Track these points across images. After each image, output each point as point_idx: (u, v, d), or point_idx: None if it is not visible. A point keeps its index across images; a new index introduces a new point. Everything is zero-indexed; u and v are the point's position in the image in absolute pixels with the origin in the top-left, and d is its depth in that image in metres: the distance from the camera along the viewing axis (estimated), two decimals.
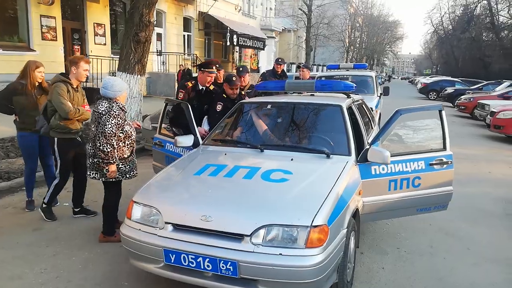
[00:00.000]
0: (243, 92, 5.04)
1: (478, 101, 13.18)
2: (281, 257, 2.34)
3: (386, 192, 3.48)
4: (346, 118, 3.65)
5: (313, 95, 4.43)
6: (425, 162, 3.54)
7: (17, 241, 3.82)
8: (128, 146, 3.77)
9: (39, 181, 5.04)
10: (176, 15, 18.87)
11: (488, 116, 10.46)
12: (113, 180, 3.73)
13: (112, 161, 3.59)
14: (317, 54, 47.10)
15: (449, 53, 49.42)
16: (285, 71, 6.80)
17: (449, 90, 19.41)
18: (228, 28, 20.03)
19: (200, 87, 4.68)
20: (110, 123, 3.53)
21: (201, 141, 3.87)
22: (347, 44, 51.26)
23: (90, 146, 3.72)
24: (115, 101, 3.65)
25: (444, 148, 3.67)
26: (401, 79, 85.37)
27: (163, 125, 4.65)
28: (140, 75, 9.41)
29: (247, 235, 2.41)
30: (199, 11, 20.22)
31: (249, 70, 5.66)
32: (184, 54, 19.06)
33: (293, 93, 4.57)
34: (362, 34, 54.45)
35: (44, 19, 12.08)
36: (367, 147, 3.42)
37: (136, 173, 3.91)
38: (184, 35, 19.57)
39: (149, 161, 5.22)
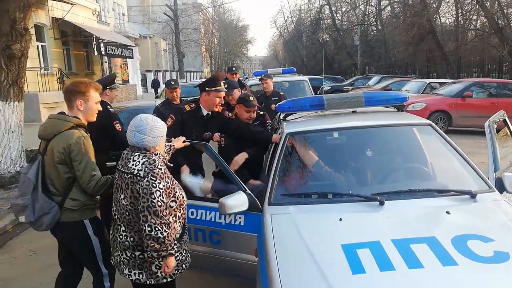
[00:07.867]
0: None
1: None
2: None
3: None
4: (448, 139, 2.83)
5: (355, 111, 3.44)
6: None
7: None
8: (181, 220, 2.30)
9: None
10: None
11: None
12: (167, 280, 2.26)
13: (173, 252, 2.17)
14: (177, 61, 45.48)
15: (295, 53, 53.98)
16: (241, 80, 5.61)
17: (326, 87, 20.69)
18: (94, 36, 17.17)
19: (205, 112, 3.49)
20: (158, 189, 2.06)
21: (265, 200, 2.54)
22: (205, 49, 51.26)
23: (124, 231, 2.20)
24: (153, 153, 2.16)
25: None
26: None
27: None
28: (18, 101, 7.06)
29: None
30: (52, 17, 16.79)
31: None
32: (41, 69, 15.62)
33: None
34: (220, 39, 55.16)
35: None
36: (493, 174, 2.67)
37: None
38: (37, 46, 15.94)
39: None
